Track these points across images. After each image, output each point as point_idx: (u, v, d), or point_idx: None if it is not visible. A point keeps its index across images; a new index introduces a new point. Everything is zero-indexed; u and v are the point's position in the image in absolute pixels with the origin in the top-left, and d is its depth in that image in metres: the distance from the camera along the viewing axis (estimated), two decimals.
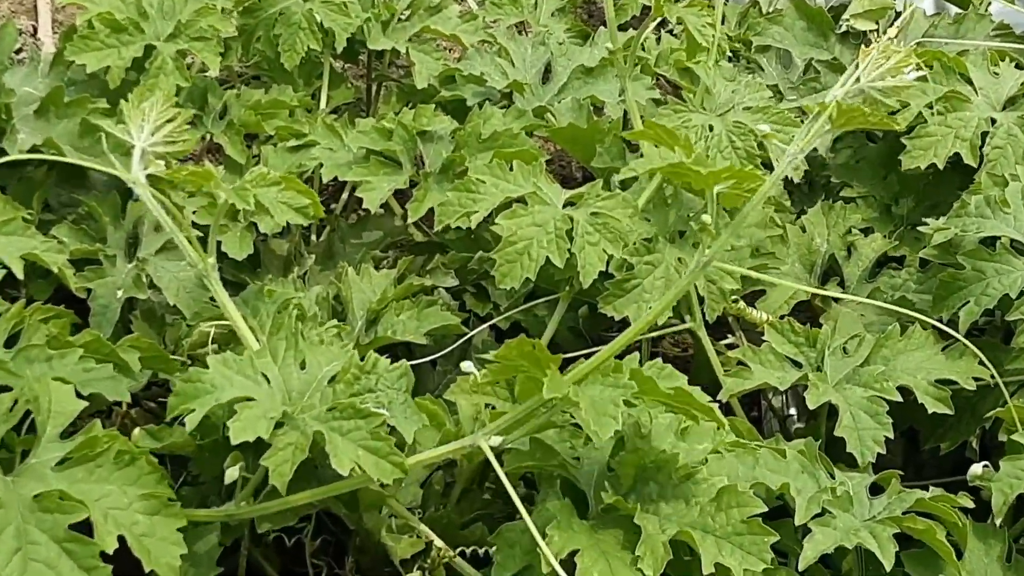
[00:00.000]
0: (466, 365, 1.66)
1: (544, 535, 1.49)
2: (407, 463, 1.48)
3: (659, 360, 1.65)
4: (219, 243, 1.92)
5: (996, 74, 2.17)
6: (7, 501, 1.40)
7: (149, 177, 1.59)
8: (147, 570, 1.44)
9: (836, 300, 2.07)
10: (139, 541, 1.43)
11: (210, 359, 1.57)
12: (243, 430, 1.43)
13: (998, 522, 1.65)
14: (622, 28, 2.43)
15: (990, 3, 2.41)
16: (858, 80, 1.41)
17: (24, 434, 1.52)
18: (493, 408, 1.65)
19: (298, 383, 1.58)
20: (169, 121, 1.58)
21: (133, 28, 2.11)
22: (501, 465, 1.54)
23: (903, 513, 1.57)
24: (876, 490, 1.67)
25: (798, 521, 1.58)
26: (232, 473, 1.60)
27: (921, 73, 1.39)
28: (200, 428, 1.52)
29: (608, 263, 1.86)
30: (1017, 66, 2.22)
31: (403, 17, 2.37)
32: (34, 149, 1.97)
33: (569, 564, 1.49)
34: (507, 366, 1.50)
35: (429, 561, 1.66)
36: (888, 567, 1.52)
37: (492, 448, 1.51)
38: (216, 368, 1.54)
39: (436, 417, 1.64)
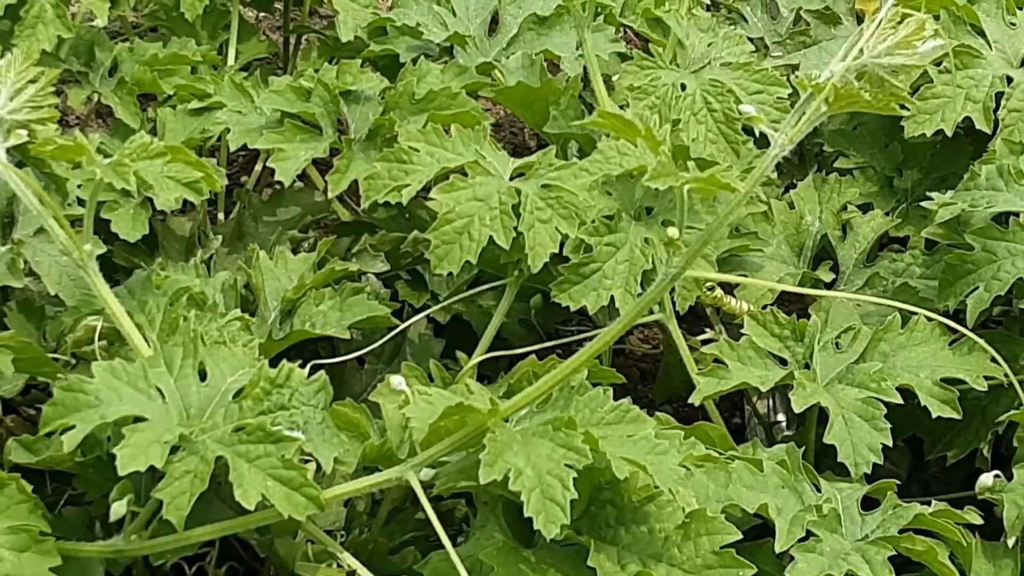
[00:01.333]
0: (396, 381, 1.56)
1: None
2: (323, 496, 1.40)
3: (625, 401, 1.53)
4: (108, 222, 1.84)
5: (1013, 24, 2.09)
6: None
7: (12, 150, 1.51)
8: None
9: (829, 285, 2.02)
10: None
11: (95, 367, 1.45)
12: (133, 458, 1.33)
13: (1010, 541, 1.60)
14: None
15: None
16: (861, 53, 1.26)
17: None
18: None
19: (197, 398, 1.50)
20: (32, 82, 1.49)
21: None
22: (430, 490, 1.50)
23: (900, 531, 1.54)
24: (870, 504, 1.64)
25: (779, 547, 1.54)
26: (119, 508, 1.46)
27: (939, 42, 1.26)
28: (82, 444, 1.38)
29: (562, 244, 1.75)
30: None
31: None
32: None
33: None
34: (449, 412, 1.42)
35: None
36: None
37: (422, 482, 1.46)
38: (102, 378, 1.43)
39: (359, 427, 1.57)
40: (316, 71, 2.12)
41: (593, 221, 1.83)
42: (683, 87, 1.98)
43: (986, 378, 1.76)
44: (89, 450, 1.53)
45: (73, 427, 1.37)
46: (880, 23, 1.24)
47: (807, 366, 1.79)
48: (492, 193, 1.78)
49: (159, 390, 1.47)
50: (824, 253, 2.10)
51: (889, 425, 1.70)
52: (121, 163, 1.65)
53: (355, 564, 1.56)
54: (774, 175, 2.13)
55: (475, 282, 2.01)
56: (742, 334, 1.84)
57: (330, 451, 1.46)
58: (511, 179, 1.84)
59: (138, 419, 1.41)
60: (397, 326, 1.92)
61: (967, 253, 1.85)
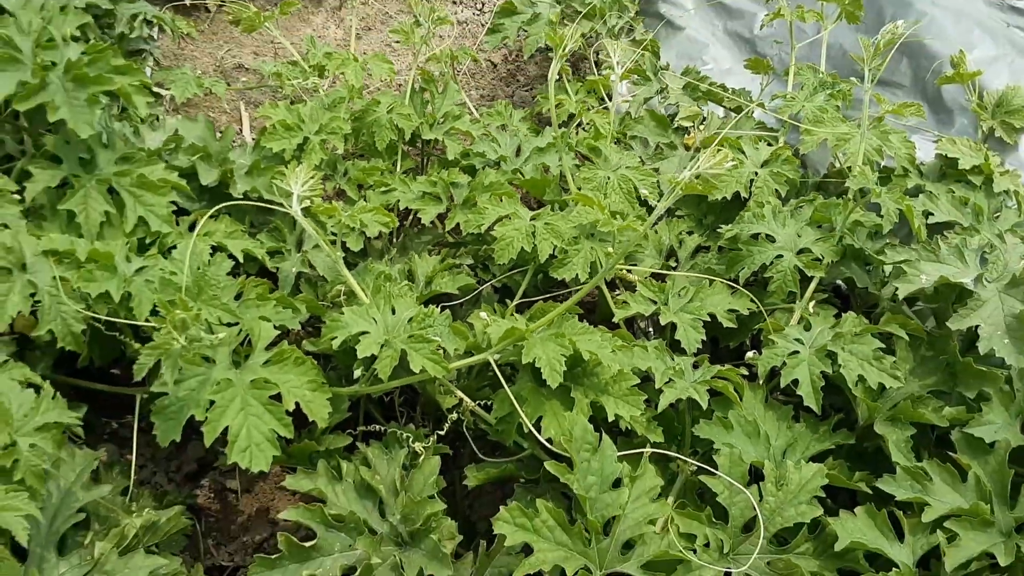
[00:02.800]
0: (483, 315, 1.79)
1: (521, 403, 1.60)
2: (449, 366, 1.62)
3: (584, 324, 1.71)
4: (344, 242, 2.07)
5: (757, 148, 2.24)
6: (236, 383, 1.53)
7: (304, 209, 1.74)
8: (310, 419, 1.59)
9: (673, 269, 2.11)
10: (306, 404, 1.57)
11: (345, 309, 1.71)
12: (365, 349, 1.59)
13: (760, 382, 1.76)
14: (560, 126, 2.39)
15: (752, 111, 2.47)
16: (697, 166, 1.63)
17: (245, 347, 1.65)
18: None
19: (391, 322, 1.70)
20: (311, 179, 1.73)
21: (296, 128, 2.22)
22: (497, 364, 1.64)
23: (712, 377, 1.67)
24: (695, 366, 1.75)
25: (657, 385, 1.67)
26: (357, 373, 1.74)
27: (733, 163, 1.55)
28: (341, 344, 1.65)
29: (554, 250, 1.95)
30: (768, 144, 2.29)
31: (440, 121, 2.46)
32: (245, 194, 2.11)
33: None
34: (509, 332, 1.63)
35: (461, 407, 1.78)
36: (704, 406, 1.62)
37: (495, 360, 1.66)
38: (348, 315, 1.68)
39: (464, 335, 1.73)
40: (437, 174, 2.25)
41: (568, 239, 1.96)
42: (608, 178, 2.10)
43: (748, 310, 1.92)
44: (342, 346, 1.65)
45: (335, 337, 1.62)
46: (709, 153, 1.41)
47: (666, 304, 1.93)
48: (522, 226, 1.95)
49: (374, 319, 1.68)
50: (672, 253, 2.17)
51: (703, 331, 1.86)
52: (353, 215, 1.94)
53: (461, 394, 1.78)
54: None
55: (513, 267, 2.12)
56: (636, 291, 1.97)
57: (451, 345, 1.67)
58: (530, 220, 1.99)
59: (364, 332, 1.63)
60: (477, 288, 2.07)
61: (740, 252, 1.98)
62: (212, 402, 1.50)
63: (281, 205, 1.86)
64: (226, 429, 1.49)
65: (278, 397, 1.55)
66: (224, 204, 1.87)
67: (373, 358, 1.62)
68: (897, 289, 1.66)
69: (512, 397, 1.62)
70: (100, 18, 2.27)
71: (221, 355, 1.55)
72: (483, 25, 3.07)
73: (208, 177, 2.04)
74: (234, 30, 2.90)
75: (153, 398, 1.52)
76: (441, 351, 1.65)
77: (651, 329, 2.14)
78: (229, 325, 1.64)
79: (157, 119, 2.21)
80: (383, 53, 2.70)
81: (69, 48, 1.92)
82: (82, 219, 1.72)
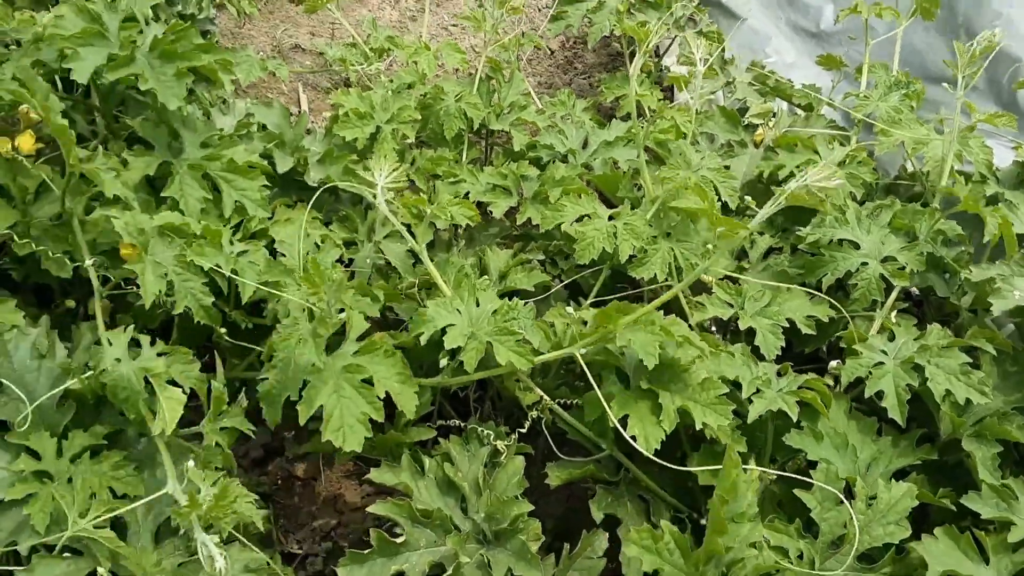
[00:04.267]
0: (568, 309, 1.84)
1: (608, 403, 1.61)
2: (535, 359, 1.66)
3: (674, 316, 1.75)
4: (410, 230, 1.97)
5: (831, 148, 2.25)
6: (329, 367, 1.57)
7: (386, 200, 1.75)
8: (399, 408, 1.63)
9: (744, 271, 2.11)
10: (395, 394, 1.60)
11: (429, 303, 1.73)
12: (452, 340, 1.62)
13: (842, 391, 1.76)
14: (622, 119, 2.51)
15: (822, 108, 2.49)
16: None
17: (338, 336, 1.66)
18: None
19: (475, 314, 1.72)
20: (394, 171, 1.75)
21: (368, 116, 2.24)
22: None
23: (798, 388, 1.67)
24: (780, 375, 1.75)
25: (745, 395, 1.68)
26: (443, 362, 1.75)
27: (841, 182, 1.43)
28: (427, 339, 1.67)
29: (633, 249, 1.95)
30: (840, 143, 2.30)
31: (506, 111, 2.48)
32: (320, 182, 2.12)
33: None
34: (601, 315, 1.64)
35: (540, 405, 1.77)
36: (794, 418, 1.62)
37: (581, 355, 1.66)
38: (433, 308, 1.70)
39: (545, 332, 1.76)
40: (505, 165, 2.27)
41: (646, 238, 1.97)
42: (689, 179, 2.04)
43: (828, 317, 1.90)
44: (427, 340, 1.67)
45: (423, 332, 1.64)
46: (819, 169, 1.40)
47: (743, 308, 1.91)
48: (602, 226, 1.95)
49: (458, 311, 1.69)
50: (743, 254, 2.16)
51: (783, 336, 1.85)
52: (442, 207, 1.93)
53: (539, 392, 1.76)
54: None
55: (581, 267, 2.10)
56: (712, 293, 1.96)
57: (536, 339, 1.69)
58: (609, 219, 1.99)
59: (449, 325, 1.65)
60: (552, 285, 2.08)
61: (823, 257, 1.97)
62: (305, 383, 1.54)
63: (360, 192, 1.97)
64: (320, 409, 1.53)
65: (369, 382, 1.59)
66: (325, 185, 1.92)
67: (457, 349, 1.66)
68: (992, 306, 1.66)
69: (601, 397, 1.63)
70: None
71: (317, 342, 1.57)
72: (539, 9, 3.06)
73: (284, 165, 2.07)
74: (291, 9, 2.89)
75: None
76: (526, 344, 1.67)
77: (714, 329, 2.12)
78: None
79: (224, 102, 2.21)
80: (449, 40, 2.67)
81: (151, 27, 1.93)
82: (183, 205, 1.74)
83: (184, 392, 1.53)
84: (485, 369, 1.71)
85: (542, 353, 1.73)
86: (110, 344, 1.51)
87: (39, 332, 1.54)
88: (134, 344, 1.56)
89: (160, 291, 1.56)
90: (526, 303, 1.77)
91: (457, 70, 2.82)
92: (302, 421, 1.52)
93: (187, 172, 1.86)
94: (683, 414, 1.62)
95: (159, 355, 1.53)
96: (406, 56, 2.33)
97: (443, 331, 1.66)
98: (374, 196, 1.70)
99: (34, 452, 1.45)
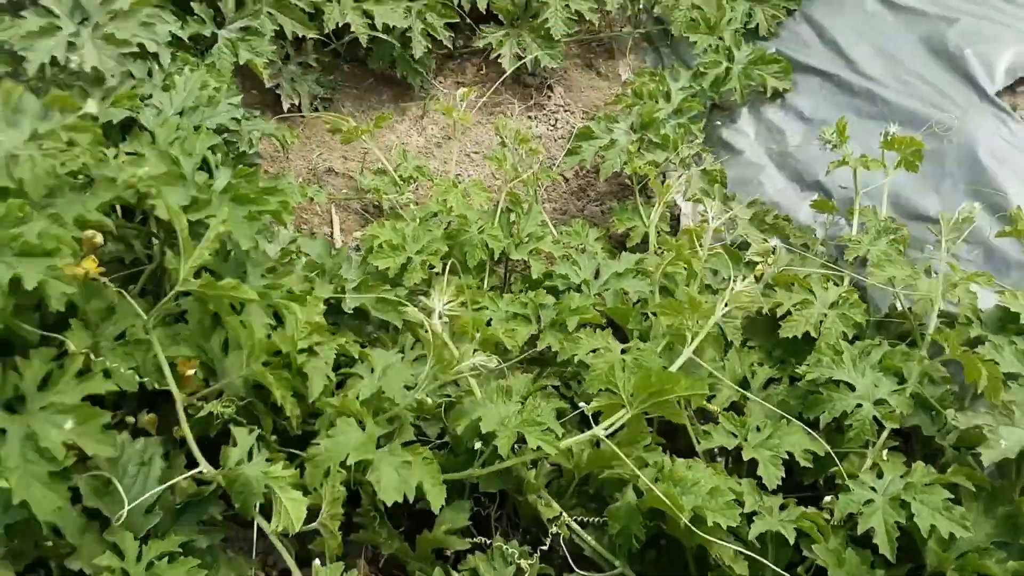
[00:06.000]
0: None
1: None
2: (559, 444, 1.83)
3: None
4: None
5: (825, 289, 2.40)
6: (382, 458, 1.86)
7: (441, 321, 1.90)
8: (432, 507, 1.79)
9: (748, 399, 2.23)
10: (427, 490, 1.83)
11: (465, 399, 1.95)
12: (487, 425, 1.82)
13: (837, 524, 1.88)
14: (631, 250, 2.70)
15: (816, 248, 2.72)
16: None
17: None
18: None
19: (504, 411, 1.90)
20: (451, 300, 1.94)
21: (400, 248, 2.42)
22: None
23: (797, 518, 1.84)
24: (782, 508, 1.91)
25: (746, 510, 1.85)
26: (477, 445, 1.90)
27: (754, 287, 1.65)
28: (464, 428, 1.87)
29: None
30: (835, 283, 2.48)
31: (525, 241, 2.66)
32: (355, 309, 2.31)
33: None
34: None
35: (559, 521, 1.92)
36: (790, 542, 1.76)
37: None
38: (469, 403, 1.93)
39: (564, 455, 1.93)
40: (523, 293, 2.44)
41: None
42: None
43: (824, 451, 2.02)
44: (465, 431, 1.88)
45: (460, 423, 1.87)
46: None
47: (746, 439, 2.06)
48: (615, 359, 2.12)
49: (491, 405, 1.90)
50: (744, 383, 2.28)
51: (783, 467, 1.98)
52: (495, 333, 2.13)
53: (558, 507, 1.96)
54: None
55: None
56: (718, 422, 2.09)
57: (559, 430, 1.89)
58: (621, 352, 2.17)
59: (485, 414, 1.89)
60: (570, 413, 2.12)
61: (820, 396, 2.13)
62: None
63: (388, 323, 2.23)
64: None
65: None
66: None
67: (491, 435, 1.84)
68: (980, 455, 1.86)
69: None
70: (225, 135, 2.53)
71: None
72: (556, 140, 3.34)
73: (324, 293, 2.24)
74: (325, 134, 3.17)
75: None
76: (551, 432, 1.85)
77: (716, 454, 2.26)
78: None
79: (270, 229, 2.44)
80: (475, 180, 2.93)
81: (220, 171, 2.16)
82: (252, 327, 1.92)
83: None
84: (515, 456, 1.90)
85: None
86: (235, 444, 1.75)
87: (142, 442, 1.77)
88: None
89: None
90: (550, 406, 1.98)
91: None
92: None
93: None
94: (696, 521, 1.78)
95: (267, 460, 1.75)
96: (436, 194, 2.55)
97: (479, 422, 1.87)
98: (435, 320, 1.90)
99: (119, 551, 1.64)
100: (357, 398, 1.95)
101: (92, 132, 2.02)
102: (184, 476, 1.75)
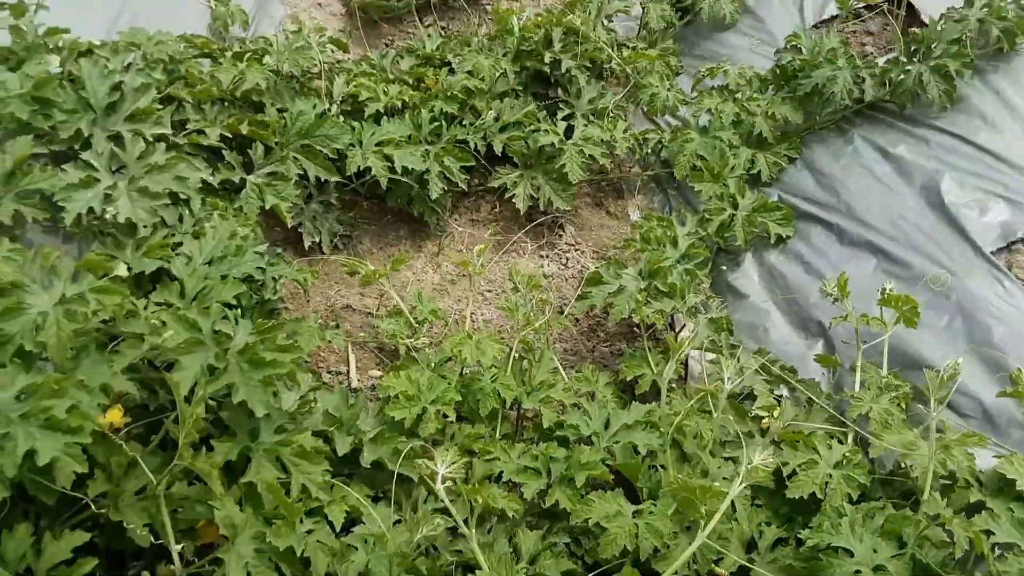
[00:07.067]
0: None
1: None
2: None
3: None
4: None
5: (830, 448, 2.44)
6: None
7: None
8: None
9: (753, 561, 2.24)
10: None
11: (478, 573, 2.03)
12: None
13: None
14: (641, 399, 2.77)
15: (821, 401, 2.74)
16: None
17: None
18: None
19: None
20: (454, 463, 2.01)
21: (415, 399, 2.49)
22: None
23: None
24: None
25: None
26: None
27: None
28: None
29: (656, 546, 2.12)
30: (839, 441, 2.54)
31: (536, 389, 2.71)
32: (372, 463, 2.37)
33: None
34: None
35: None
36: None
37: None
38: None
39: None
40: (535, 444, 2.51)
41: (667, 535, 2.18)
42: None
43: None
44: None
45: None
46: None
47: None
48: (626, 524, 2.16)
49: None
50: (752, 544, 2.29)
51: None
52: (494, 496, 2.14)
53: None
54: None
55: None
56: None
57: None
58: (632, 516, 2.20)
59: None
60: (578, 572, 2.35)
61: (821, 562, 2.12)
62: None
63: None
64: None
65: None
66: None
67: None
68: None
69: None
70: (250, 283, 2.65)
71: None
72: (567, 279, 3.46)
73: (343, 447, 2.34)
74: (343, 270, 3.30)
75: None
76: None
77: None
78: None
79: None
80: (490, 334, 3.03)
81: (240, 327, 2.26)
82: (260, 488, 2.01)
83: None
84: None
85: None
86: None
87: None
88: None
89: None
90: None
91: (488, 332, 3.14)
92: None
93: (263, 455, 2.15)
94: None
95: None
96: (450, 345, 2.65)
97: None
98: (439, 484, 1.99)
99: None
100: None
101: (120, 295, 2.13)
102: None
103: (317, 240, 3.37)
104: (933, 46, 3.56)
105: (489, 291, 3.38)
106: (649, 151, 3.85)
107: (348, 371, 3.00)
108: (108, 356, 2.08)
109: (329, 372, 3.02)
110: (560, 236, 3.65)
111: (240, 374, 2.10)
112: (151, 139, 2.75)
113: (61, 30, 2.99)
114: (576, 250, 3.60)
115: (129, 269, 2.50)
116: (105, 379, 2.03)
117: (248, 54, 3.41)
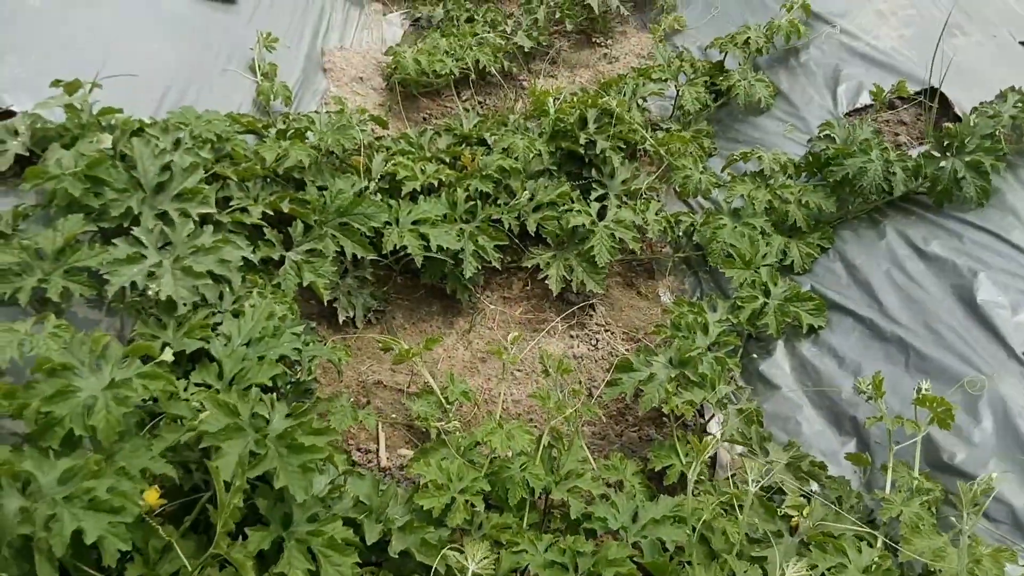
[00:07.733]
0: None
1: None
2: None
3: None
4: None
5: (860, 552, 2.45)
6: None
7: None
8: None
9: None
10: None
11: None
12: None
13: None
14: (669, 490, 2.83)
15: (851, 502, 2.78)
16: None
17: None
18: None
19: None
20: (484, 558, 2.11)
21: (445, 488, 2.52)
22: None
23: None
24: None
25: None
26: None
27: None
28: None
29: None
30: (868, 544, 2.51)
31: (565, 478, 2.70)
32: (400, 552, 2.37)
33: None
34: None
35: None
36: None
37: None
38: None
39: None
40: (563, 538, 2.49)
41: None
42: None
43: None
44: None
45: None
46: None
47: None
48: None
49: None
50: None
51: None
52: None
53: None
54: None
55: None
56: None
57: None
58: None
59: None
60: None
61: None
62: None
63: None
64: None
65: None
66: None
67: None
68: None
69: None
70: (286, 364, 2.72)
71: None
72: (596, 360, 3.50)
73: (372, 535, 2.36)
74: (375, 345, 3.36)
75: None
76: None
77: None
78: None
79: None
80: (521, 423, 3.07)
81: (276, 410, 2.32)
82: None
83: None
84: None
85: None
86: None
87: None
88: None
89: None
90: None
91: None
92: None
93: (295, 546, 2.18)
94: None
95: None
96: (481, 434, 2.69)
97: None
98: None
99: None
100: None
101: (166, 380, 2.19)
102: None
103: (351, 315, 3.45)
104: (967, 140, 3.60)
105: (520, 371, 3.42)
106: (681, 234, 3.90)
107: (378, 450, 3.03)
108: (148, 440, 2.14)
109: (359, 450, 3.06)
110: (591, 316, 3.70)
111: (280, 459, 2.16)
112: (197, 219, 2.84)
113: (115, 110, 3.11)
114: (606, 331, 3.65)
115: (168, 346, 2.57)
116: (145, 463, 2.08)
117: (291, 131, 3.52)
